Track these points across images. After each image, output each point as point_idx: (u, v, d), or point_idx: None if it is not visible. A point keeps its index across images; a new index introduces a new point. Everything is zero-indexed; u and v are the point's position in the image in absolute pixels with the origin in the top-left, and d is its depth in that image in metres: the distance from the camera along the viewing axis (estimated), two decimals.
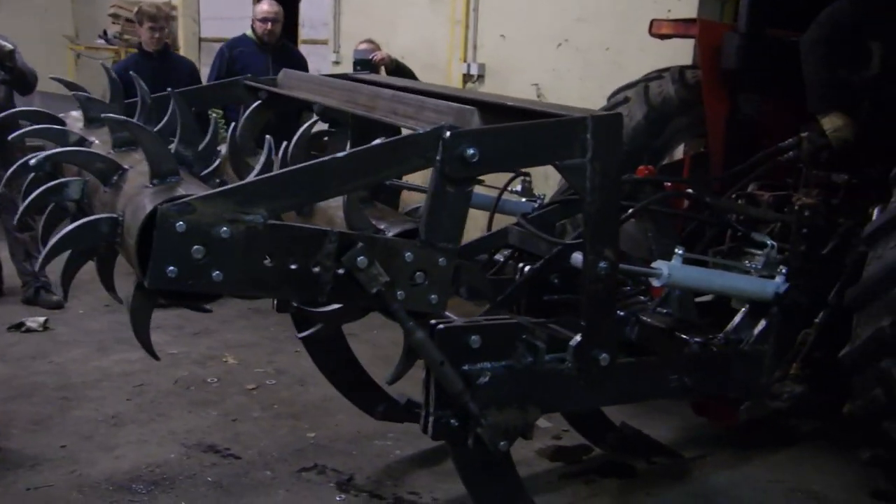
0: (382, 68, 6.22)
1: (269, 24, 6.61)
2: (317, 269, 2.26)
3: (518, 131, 2.45)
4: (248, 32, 6.77)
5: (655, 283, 2.86)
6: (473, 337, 2.54)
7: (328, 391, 4.64)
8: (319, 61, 8.74)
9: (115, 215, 2.33)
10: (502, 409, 2.53)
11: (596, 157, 2.48)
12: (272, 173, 2.29)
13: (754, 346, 3.06)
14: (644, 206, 3.50)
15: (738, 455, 4.16)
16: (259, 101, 3.47)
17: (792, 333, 3.20)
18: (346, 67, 9.05)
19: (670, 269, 2.85)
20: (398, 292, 2.34)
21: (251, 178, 2.41)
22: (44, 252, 2.28)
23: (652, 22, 4.69)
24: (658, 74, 4.76)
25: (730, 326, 3.15)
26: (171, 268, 2.11)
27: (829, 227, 3.90)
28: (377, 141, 2.59)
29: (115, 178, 2.53)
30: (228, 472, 3.82)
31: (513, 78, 6.65)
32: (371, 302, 2.36)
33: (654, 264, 2.87)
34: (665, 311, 3.37)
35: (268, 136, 2.54)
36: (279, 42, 6.79)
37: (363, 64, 6.15)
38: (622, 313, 3.27)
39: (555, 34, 6.35)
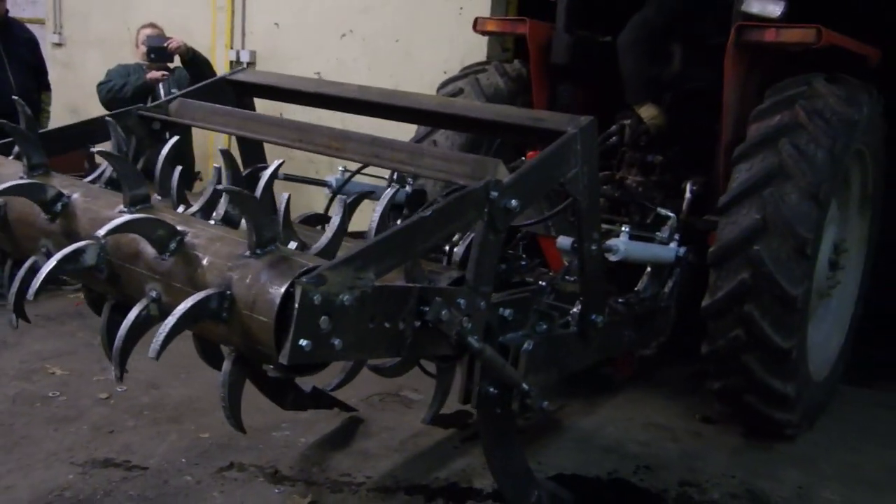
0: (178, 57, 5.93)
1: None
2: (401, 326, 2.38)
3: (538, 166, 2.71)
4: None
5: (612, 257, 3.28)
6: (508, 311, 2.81)
7: (187, 391, 4.53)
8: None
9: (220, 290, 2.25)
10: (537, 374, 2.83)
11: (585, 163, 2.82)
12: (380, 237, 2.34)
13: (668, 301, 3.63)
14: None
15: (587, 402, 4.75)
16: (178, 138, 3.21)
17: (687, 289, 3.82)
18: (72, 50, 8.39)
19: (625, 245, 3.30)
20: None
21: (325, 240, 2.45)
22: (162, 337, 2.17)
23: (476, 19, 5.09)
24: (482, 67, 5.17)
25: (640, 286, 3.68)
26: (306, 342, 2.12)
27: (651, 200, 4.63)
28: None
29: (174, 244, 2.41)
30: (145, 484, 3.60)
31: (289, 66, 6.65)
32: (442, 349, 2.56)
33: (609, 242, 3.29)
34: (572, 279, 3.82)
35: (341, 196, 2.56)
36: (5, 20, 6.08)
37: (157, 52, 5.82)
38: (542, 283, 3.67)
39: (338, 24, 6.50)
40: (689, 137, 4.86)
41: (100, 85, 6.05)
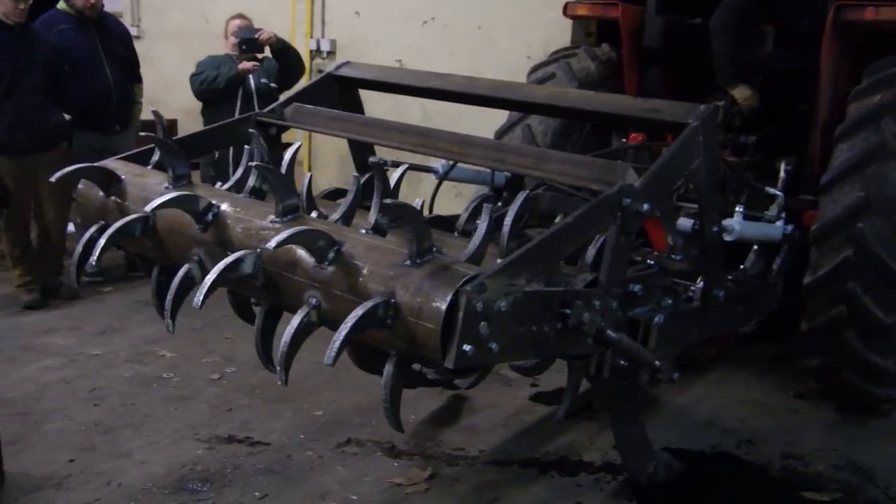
0: (268, 48, 6.08)
1: None
2: (546, 328, 2.49)
3: (666, 166, 2.78)
4: (62, 6, 6.12)
5: (728, 237, 3.35)
6: (637, 286, 2.91)
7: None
8: None
9: (385, 299, 2.35)
10: (666, 346, 2.93)
11: (706, 151, 2.88)
12: (529, 246, 2.44)
13: (776, 278, 3.69)
14: None
15: (679, 380, 4.81)
16: (300, 144, 3.37)
17: (793, 267, 3.88)
18: (150, 43, 8.58)
19: (740, 225, 3.38)
20: None
21: (473, 247, 2.54)
22: (337, 344, 2.28)
23: (567, 4, 5.16)
24: (572, 52, 5.23)
25: (748, 264, 3.75)
26: (469, 347, 2.24)
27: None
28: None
29: (332, 254, 2.51)
30: (270, 458, 3.77)
31: (370, 54, 6.79)
32: (580, 348, 2.69)
33: (725, 222, 3.35)
34: (678, 258, 3.89)
35: (486, 204, 2.66)
36: (101, 14, 6.18)
37: (248, 43, 5.98)
38: (651, 262, 3.75)
39: (419, 12, 6.61)
40: (781, 118, 4.90)
41: (192, 76, 6.21)
